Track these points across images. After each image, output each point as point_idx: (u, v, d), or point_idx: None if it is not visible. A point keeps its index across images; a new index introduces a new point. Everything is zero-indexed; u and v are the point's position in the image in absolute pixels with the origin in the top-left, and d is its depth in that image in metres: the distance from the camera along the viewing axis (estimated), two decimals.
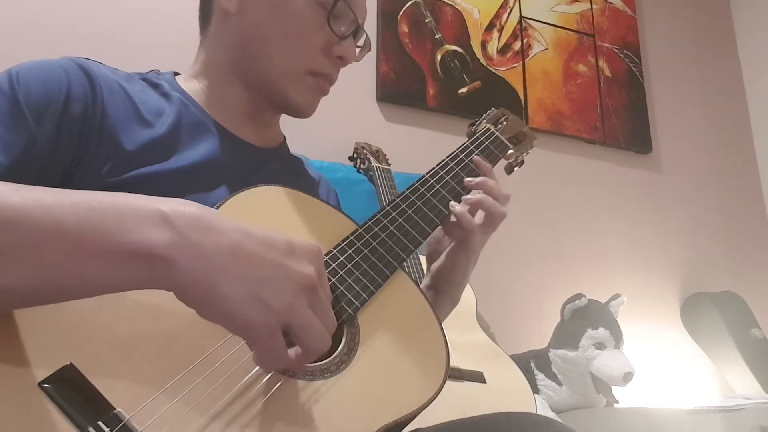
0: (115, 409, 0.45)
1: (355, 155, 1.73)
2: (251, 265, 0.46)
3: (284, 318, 0.47)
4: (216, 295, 0.45)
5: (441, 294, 0.83)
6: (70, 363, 0.46)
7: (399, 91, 2.03)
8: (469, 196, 0.80)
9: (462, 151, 0.84)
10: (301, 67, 0.76)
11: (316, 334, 0.48)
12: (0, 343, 0.46)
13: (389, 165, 1.71)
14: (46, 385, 0.45)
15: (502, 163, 0.92)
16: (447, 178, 0.80)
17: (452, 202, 0.79)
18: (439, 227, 0.80)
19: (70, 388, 0.45)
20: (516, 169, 0.94)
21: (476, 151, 0.84)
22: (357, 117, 1.97)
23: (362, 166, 1.69)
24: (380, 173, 1.63)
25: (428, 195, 0.78)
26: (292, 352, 0.50)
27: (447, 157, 0.83)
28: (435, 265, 0.83)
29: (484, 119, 0.94)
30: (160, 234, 0.45)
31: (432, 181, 0.79)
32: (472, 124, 0.94)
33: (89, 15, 1.68)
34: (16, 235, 0.43)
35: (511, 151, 0.90)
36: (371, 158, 1.69)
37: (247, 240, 0.47)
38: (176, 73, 0.82)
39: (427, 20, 2.14)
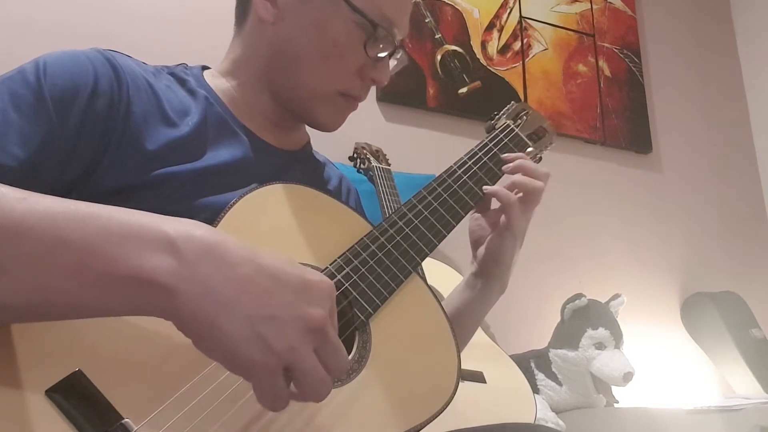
0: (123, 419, 0.45)
1: (355, 155, 1.72)
2: (259, 303, 0.44)
3: (285, 360, 0.44)
4: (216, 332, 0.43)
5: (491, 279, 0.83)
6: (79, 369, 0.46)
7: (399, 91, 2.02)
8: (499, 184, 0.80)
9: (481, 149, 0.83)
10: (332, 88, 0.75)
11: (317, 380, 0.46)
12: (5, 347, 0.45)
13: (389, 165, 1.70)
14: (53, 393, 0.44)
15: None
16: (464, 177, 0.79)
17: (486, 186, 0.79)
18: (480, 214, 0.81)
19: (78, 396, 0.45)
20: None
21: (495, 149, 0.83)
22: (357, 117, 1.93)
23: (362, 166, 1.68)
24: (380, 173, 1.63)
25: (445, 195, 0.76)
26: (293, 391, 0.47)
27: (465, 155, 0.81)
28: (480, 251, 0.82)
29: (503, 114, 0.92)
30: (163, 261, 0.43)
31: (449, 180, 0.78)
32: (492, 118, 0.93)
33: (91, 13, 1.68)
34: (17, 250, 0.42)
35: (530, 149, 0.89)
36: (371, 158, 1.68)
37: (258, 274, 0.45)
38: (205, 67, 0.80)
39: (427, 20, 2.13)
